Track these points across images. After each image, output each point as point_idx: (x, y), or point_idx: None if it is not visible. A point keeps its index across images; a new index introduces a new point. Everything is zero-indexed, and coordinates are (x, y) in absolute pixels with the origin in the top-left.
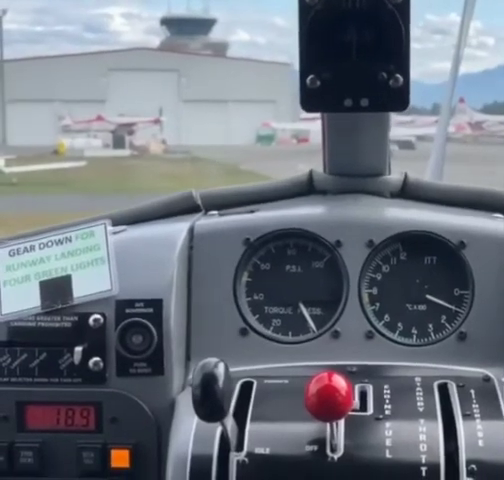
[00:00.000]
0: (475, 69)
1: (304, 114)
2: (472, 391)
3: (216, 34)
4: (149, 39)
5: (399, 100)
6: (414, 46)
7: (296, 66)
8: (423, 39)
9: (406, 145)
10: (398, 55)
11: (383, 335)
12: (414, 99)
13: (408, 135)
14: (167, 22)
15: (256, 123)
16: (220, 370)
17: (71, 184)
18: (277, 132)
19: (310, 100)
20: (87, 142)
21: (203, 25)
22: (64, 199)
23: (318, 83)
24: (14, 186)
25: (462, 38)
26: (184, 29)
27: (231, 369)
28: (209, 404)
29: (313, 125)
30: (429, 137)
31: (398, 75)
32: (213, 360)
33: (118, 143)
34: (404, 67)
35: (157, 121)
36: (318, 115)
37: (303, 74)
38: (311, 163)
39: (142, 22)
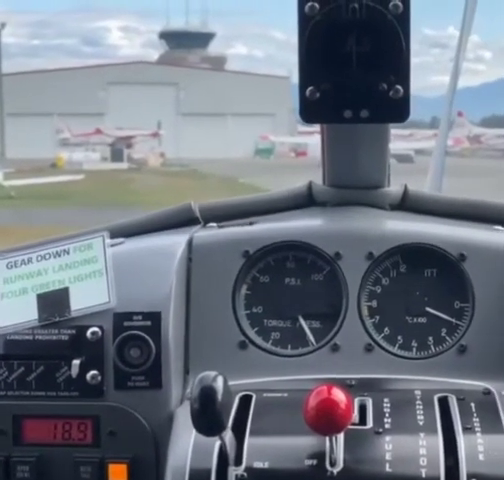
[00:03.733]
0: (473, 83)
1: (303, 127)
2: (472, 404)
3: (214, 48)
4: (147, 53)
5: (399, 111)
6: (412, 60)
7: (295, 79)
8: (421, 53)
9: (405, 159)
10: (398, 66)
11: (383, 348)
12: (413, 113)
13: (407, 149)
14: (166, 36)
15: (255, 136)
16: (219, 383)
17: (69, 197)
18: (276, 145)
19: (310, 111)
20: (85, 155)
21: (201, 39)
22: (62, 212)
23: (317, 94)
24: (12, 199)
25: (460, 52)
26: (182, 43)
27: (230, 382)
28: (207, 418)
29: (311, 139)
30: (428, 151)
31: (398, 86)
32: (212, 373)
33: (116, 156)
34: (404, 78)
35: (155, 134)
36: (316, 129)
37: (302, 85)
38: (314, 178)
39: (140, 36)
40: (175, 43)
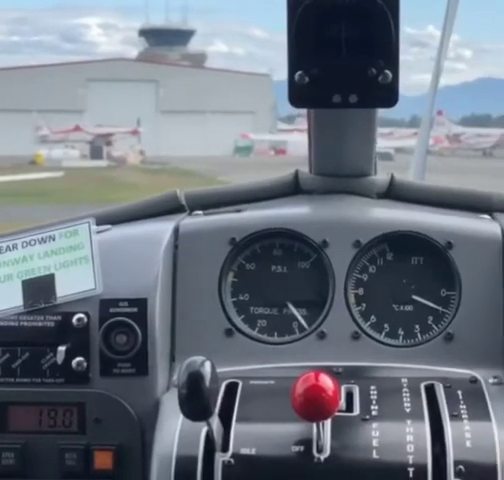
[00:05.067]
0: (453, 81)
1: (283, 125)
2: (459, 392)
3: (194, 45)
4: (126, 50)
5: (388, 96)
6: None
7: (276, 77)
8: (401, 51)
9: (385, 157)
10: (387, 51)
11: (369, 336)
12: (393, 111)
13: (387, 147)
14: (145, 33)
15: (234, 134)
16: (207, 369)
17: (49, 194)
18: (255, 143)
19: (298, 96)
20: (65, 153)
21: (181, 36)
22: (42, 209)
23: (306, 79)
24: None
25: (442, 50)
26: (162, 40)
27: (216, 370)
28: (195, 403)
29: (291, 137)
30: (407, 149)
31: (387, 71)
32: (199, 359)
33: (96, 154)
34: (393, 63)
35: (135, 132)
36: (296, 127)
37: (291, 70)
38: None
39: (119, 33)
40: (155, 40)
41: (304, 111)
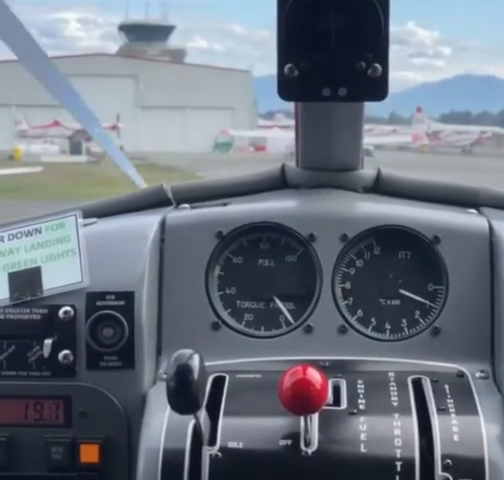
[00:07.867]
0: (433, 79)
1: (262, 122)
2: (446, 386)
3: (174, 41)
4: (106, 45)
5: (378, 90)
6: None
7: (256, 73)
8: None
9: (364, 153)
10: (377, 44)
11: (356, 330)
12: (372, 108)
13: (366, 143)
14: (125, 28)
15: (214, 130)
16: (195, 362)
17: (28, 189)
18: (235, 139)
19: (288, 89)
20: (44, 148)
21: (161, 32)
22: (21, 204)
23: (296, 72)
24: None
25: None
26: (142, 35)
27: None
28: (183, 396)
29: (270, 133)
30: (386, 146)
31: (377, 64)
32: (188, 351)
33: (75, 149)
34: (383, 56)
35: (114, 127)
36: (276, 123)
37: (281, 63)
38: None
39: (98, 28)
40: (134, 36)
41: (284, 107)
